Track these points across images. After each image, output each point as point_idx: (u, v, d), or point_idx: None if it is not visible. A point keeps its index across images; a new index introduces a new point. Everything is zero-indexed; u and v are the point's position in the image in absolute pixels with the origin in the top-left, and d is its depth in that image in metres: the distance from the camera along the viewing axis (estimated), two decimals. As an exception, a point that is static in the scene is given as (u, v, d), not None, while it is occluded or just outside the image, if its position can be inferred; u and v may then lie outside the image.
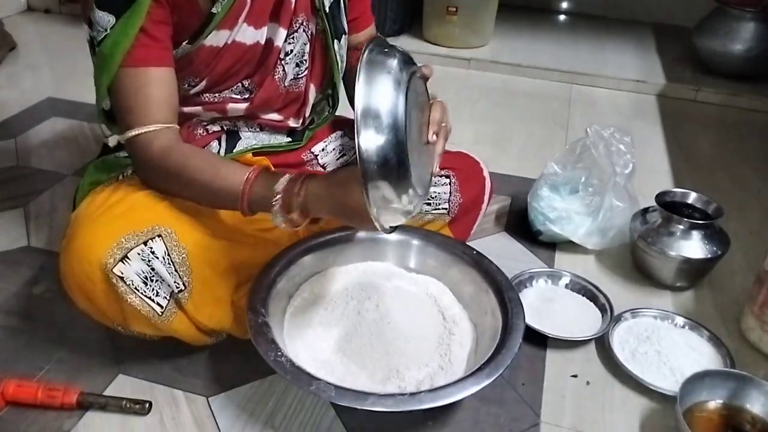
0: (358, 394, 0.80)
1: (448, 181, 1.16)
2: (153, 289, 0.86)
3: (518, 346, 0.88)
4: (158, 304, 0.87)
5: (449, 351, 0.96)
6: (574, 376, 1.04)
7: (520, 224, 1.41)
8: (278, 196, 0.81)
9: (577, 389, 1.02)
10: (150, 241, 0.85)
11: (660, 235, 1.22)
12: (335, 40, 1.05)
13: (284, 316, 0.98)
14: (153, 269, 0.85)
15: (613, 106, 2.16)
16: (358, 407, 0.79)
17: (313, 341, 0.95)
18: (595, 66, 2.38)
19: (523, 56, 2.43)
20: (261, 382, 0.99)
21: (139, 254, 0.84)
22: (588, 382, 1.03)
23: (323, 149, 1.18)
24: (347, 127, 1.23)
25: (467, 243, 1.13)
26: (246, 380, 0.99)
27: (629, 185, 1.29)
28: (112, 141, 0.93)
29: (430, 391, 0.82)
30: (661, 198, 1.25)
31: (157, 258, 0.85)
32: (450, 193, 1.16)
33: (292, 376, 0.82)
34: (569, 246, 1.32)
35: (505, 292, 0.97)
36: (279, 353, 0.85)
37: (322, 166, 1.17)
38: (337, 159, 1.19)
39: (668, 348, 1.05)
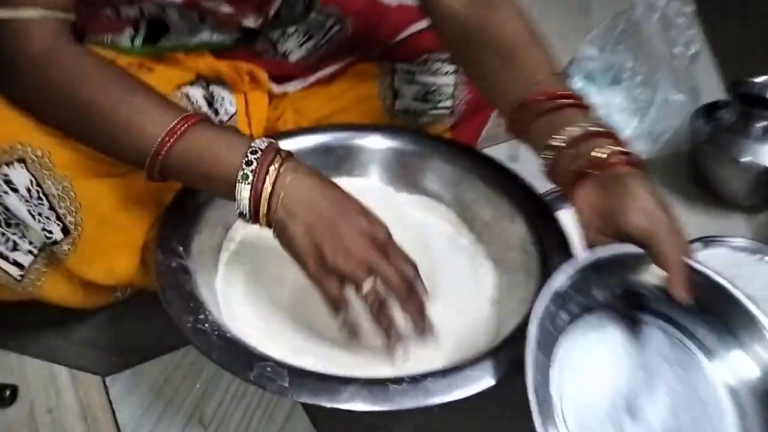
0: (327, 383, 0.52)
1: (453, 69, 0.92)
2: (8, 240, 0.66)
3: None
4: (16, 263, 0.67)
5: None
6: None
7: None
8: (256, 157, 0.57)
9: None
10: (5, 166, 0.62)
11: (734, 136, 0.96)
12: None
13: (218, 258, 0.71)
14: (7, 210, 0.64)
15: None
16: (328, 405, 0.51)
17: (262, 297, 0.68)
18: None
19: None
20: (184, 353, 0.72)
21: None
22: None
23: (283, 32, 0.92)
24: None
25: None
26: (161, 351, 0.73)
27: (692, 72, 1.01)
28: None
29: (443, 373, 0.54)
30: (737, 89, 0.97)
31: (16, 192, 0.63)
32: (455, 86, 0.93)
33: (219, 354, 0.54)
34: (607, 155, 1.05)
35: (540, 217, 0.72)
36: (202, 316, 0.57)
37: (284, 55, 0.92)
38: (301, 44, 0.93)
39: (765, 293, 0.77)
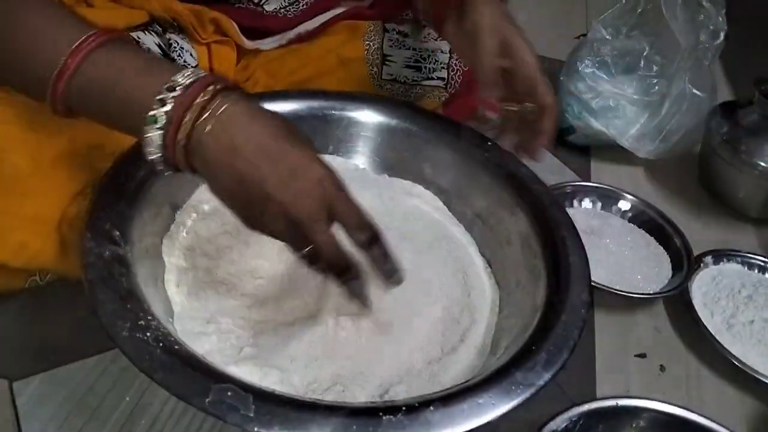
0: (304, 413, 0.42)
1: None
2: None
3: (586, 308, 0.52)
4: None
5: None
6: (641, 355, 0.70)
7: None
8: (173, 95, 0.43)
9: (645, 376, 0.68)
10: None
11: (754, 139, 0.86)
12: None
13: (168, 246, 0.58)
14: None
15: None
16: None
17: (220, 295, 0.55)
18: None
19: None
20: (114, 357, 0.58)
21: None
22: (662, 367, 0.69)
23: None
24: None
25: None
26: (86, 352, 0.59)
27: (714, 66, 0.91)
28: None
29: (443, 401, 0.44)
30: (762, 85, 0.86)
31: None
32: (452, 54, 0.83)
33: (164, 373, 0.42)
34: (610, 152, 0.95)
35: (547, 209, 0.62)
36: (142, 321, 0.45)
37: (259, 4, 0.78)
38: None
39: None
